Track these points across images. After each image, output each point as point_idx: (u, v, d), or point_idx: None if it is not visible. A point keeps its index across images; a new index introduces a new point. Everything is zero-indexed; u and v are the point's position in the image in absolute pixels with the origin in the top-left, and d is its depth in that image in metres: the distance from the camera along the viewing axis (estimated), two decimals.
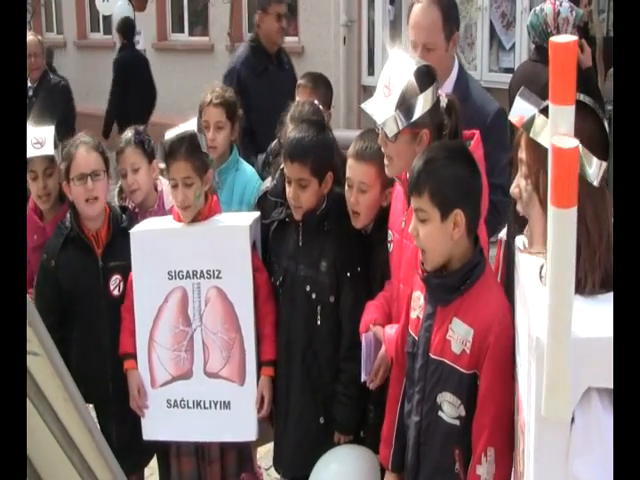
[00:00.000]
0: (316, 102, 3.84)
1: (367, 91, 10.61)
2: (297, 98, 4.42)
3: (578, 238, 1.63)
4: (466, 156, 2.57)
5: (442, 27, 3.44)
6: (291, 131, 3.37)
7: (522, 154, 2.03)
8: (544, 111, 1.78)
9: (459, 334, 2.47)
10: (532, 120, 1.85)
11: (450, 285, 2.52)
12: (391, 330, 2.96)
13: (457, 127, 2.83)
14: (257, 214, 3.53)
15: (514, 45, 10.15)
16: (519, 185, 2.06)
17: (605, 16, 12.24)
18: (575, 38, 1.50)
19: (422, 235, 2.51)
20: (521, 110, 1.88)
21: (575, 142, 1.51)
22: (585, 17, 9.15)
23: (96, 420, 3.39)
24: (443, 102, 2.83)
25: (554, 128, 1.56)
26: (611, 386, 1.74)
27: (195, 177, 3.33)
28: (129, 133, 3.84)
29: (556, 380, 1.72)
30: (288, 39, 11.84)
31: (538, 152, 1.88)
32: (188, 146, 3.32)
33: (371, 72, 10.78)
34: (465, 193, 2.50)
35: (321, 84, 4.71)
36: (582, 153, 1.68)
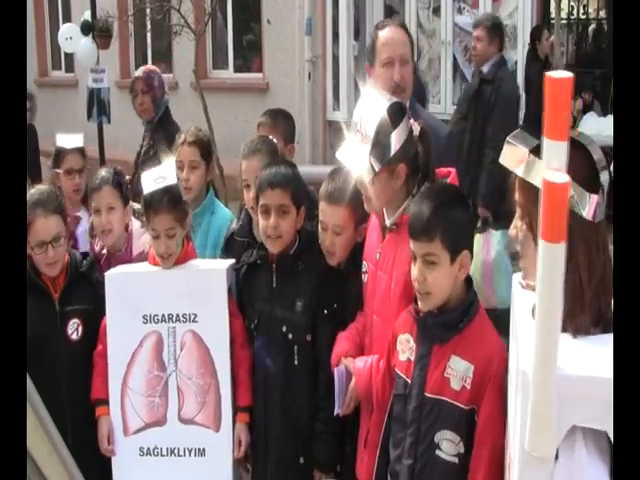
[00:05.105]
0: (270, 137, 3.80)
1: (332, 126, 10.66)
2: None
3: (567, 276, 1.61)
4: (462, 198, 2.65)
5: (410, 46, 3.66)
6: (263, 168, 3.32)
7: (516, 195, 2.03)
8: (534, 151, 1.76)
9: (458, 371, 2.49)
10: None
11: (448, 323, 2.55)
12: (361, 363, 2.93)
13: (429, 154, 2.83)
14: (232, 261, 3.46)
15: None
16: (516, 226, 2.07)
17: (565, 49, 12.51)
18: (571, 75, 1.48)
19: (431, 279, 2.52)
20: (515, 152, 1.87)
21: (566, 177, 1.52)
22: (547, 50, 9.34)
23: None
24: (416, 131, 2.82)
25: (547, 163, 1.56)
26: (596, 426, 1.74)
27: (177, 227, 3.32)
28: (106, 173, 3.79)
29: (540, 415, 1.71)
30: (252, 75, 11.99)
31: (530, 192, 1.87)
32: (170, 198, 3.30)
33: (336, 107, 10.82)
34: (470, 234, 2.62)
35: (281, 119, 4.64)
36: (575, 190, 1.69)
